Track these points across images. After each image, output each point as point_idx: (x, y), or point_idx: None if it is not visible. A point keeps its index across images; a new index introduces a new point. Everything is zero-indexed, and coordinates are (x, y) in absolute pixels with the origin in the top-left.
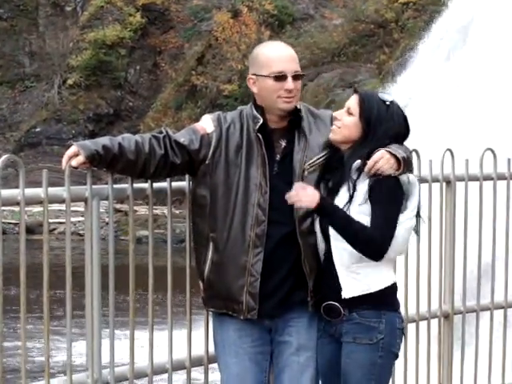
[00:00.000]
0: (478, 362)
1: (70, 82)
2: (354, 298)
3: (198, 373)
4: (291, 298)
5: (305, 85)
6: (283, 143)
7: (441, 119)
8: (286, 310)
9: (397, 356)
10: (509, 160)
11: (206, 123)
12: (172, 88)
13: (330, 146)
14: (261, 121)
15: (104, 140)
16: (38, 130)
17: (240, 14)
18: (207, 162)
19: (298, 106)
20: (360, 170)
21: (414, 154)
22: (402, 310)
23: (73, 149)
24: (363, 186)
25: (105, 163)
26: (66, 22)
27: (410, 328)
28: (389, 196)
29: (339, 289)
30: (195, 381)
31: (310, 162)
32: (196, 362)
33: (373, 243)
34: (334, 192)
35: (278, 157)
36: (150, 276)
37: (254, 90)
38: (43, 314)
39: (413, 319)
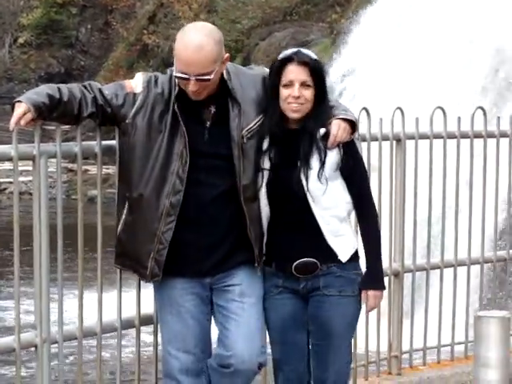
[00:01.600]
0: (428, 321)
1: (20, 40)
2: (330, 256)
3: (146, 334)
4: (231, 260)
5: (257, 44)
6: (212, 109)
7: (391, 78)
8: (226, 268)
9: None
10: (459, 118)
11: (136, 83)
12: (123, 47)
13: (279, 117)
14: (177, 90)
15: (44, 88)
16: None
17: None
18: (127, 120)
19: (225, 75)
20: (325, 137)
21: (364, 112)
22: None
23: (22, 108)
24: (331, 155)
25: (47, 112)
26: None
27: None
28: (360, 163)
29: (315, 248)
30: (144, 341)
31: (248, 128)
32: (145, 321)
33: (377, 218)
34: (305, 163)
35: (207, 123)
36: (99, 235)
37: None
38: None
39: None
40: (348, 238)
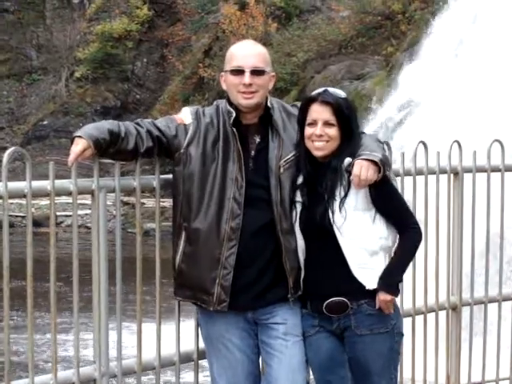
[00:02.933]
0: (486, 354)
1: (77, 74)
2: (359, 290)
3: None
4: (270, 293)
5: (312, 77)
6: (257, 139)
7: (448, 111)
8: (265, 303)
9: (403, 335)
10: None
11: (185, 115)
12: (179, 80)
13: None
14: (234, 114)
15: (105, 124)
16: (45, 122)
17: (247, 6)
18: (182, 150)
19: (269, 103)
20: (349, 168)
21: (421, 145)
22: (409, 301)
23: (81, 145)
24: (357, 191)
25: (106, 148)
26: (73, 14)
27: (418, 320)
28: (390, 192)
29: (344, 284)
30: (204, 372)
31: (286, 158)
32: (204, 355)
33: (419, 232)
34: (331, 196)
35: (252, 153)
36: (157, 268)
37: (224, 86)
38: (51, 308)
39: (421, 311)
40: (378, 272)
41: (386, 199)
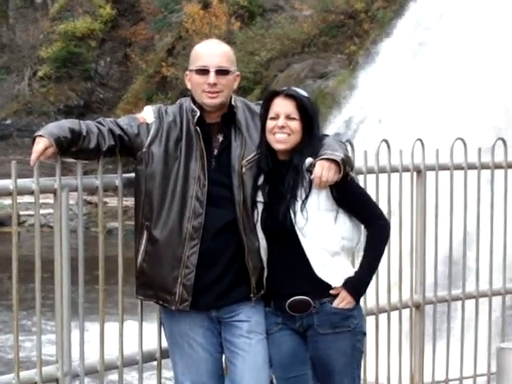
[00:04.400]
0: (450, 352)
1: (40, 73)
2: (321, 289)
3: (168, 367)
4: (233, 292)
5: (275, 75)
6: (220, 138)
7: (411, 110)
8: (228, 302)
9: (365, 334)
10: (479, 149)
11: (147, 114)
12: (142, 79)
13: (266, 151)
14: (198, 113)
15: (66, 122)
16: (8, 122)
17: (210, 5)
18: (144, 149)
19: (233, 102)
20: (310, 168)
21: (384, 143)
22: (373, 300)
23: (43, 143)
24: (319, 191)
25: (67, 147)
26: (36, 13)
27: (382, 318)
28: (354, 191)
29: (307, 283)
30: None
31: (248, 158)
32: (167, 354)
33: (387, 228)
34: (292, 197)
35: (215, 152)
36: (120, 267)
37: (188, 85)
38: (13, 307)
39: (384, 309)
40: (340, 272)
41: (350, 198)
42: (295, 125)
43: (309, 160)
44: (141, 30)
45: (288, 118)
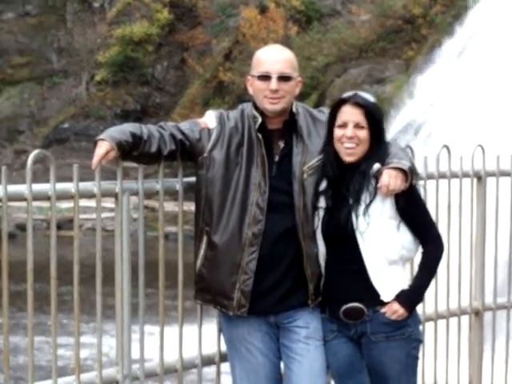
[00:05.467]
0: (509, 358)
1: (97, 78)
2: (375, 297)
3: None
4: (291, 299)
5: (332, 81)
6: (281, 144)
7: (470, 115)
8: (286, 308)
9: (421, 342)
10: None
11: (209, 119)
12: (199, 84)
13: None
14: (259, 120)
15: (127, 126)
16: (65, 126)
17: (267, 9)
18: (205, 154)
19: (294, 108)
20: (377, 174)
21: (444, 149)
22: (432, 306)
23: (104, 147)
24: (384, 198)
25: (128, 151)
26: (94, 18)
27: (440, 324)
28: (417, 204)
29: (361, 291)
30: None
31: (309, 164)
32: (226, 358)
33: (442, 248)
34: (356, 201)
35: (276, 158)
36: (180, 271)
37: (250, 90)
38: (74, 311)
39: (443, 316)
40: (395, 281)
41: (412, 209)
42: (363, 134)
43: (376, 166)
44: (198, 34)
45: (356, 126)
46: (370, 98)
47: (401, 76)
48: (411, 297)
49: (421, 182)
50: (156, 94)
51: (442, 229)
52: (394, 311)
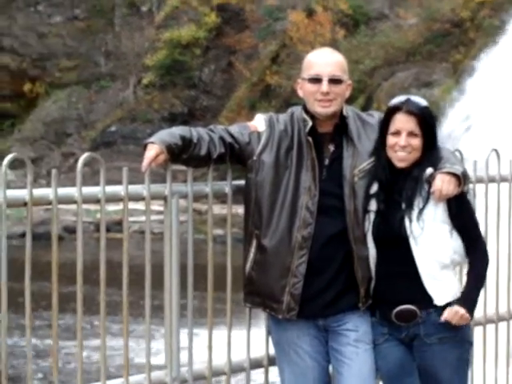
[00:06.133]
0: None
1: (145, 81)
2: (428, 299)
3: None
4: (341, 302)
5: (379, 84)
6: (332, 148)
7: None
8: (336, 311)
9: (472, 345)
10: None
11: (258, 122)
12: (246, 87)
13: (385, 163)
14: (310, 123)
15: (177, 130)
16: (113, 129)
17: (314, 13)
18: (254, 158)
19: (345, 112)
20: (430, 179)
21: (494, 153)
22: (481, 310)
23: (154, 150)
24: (437, 203)
25: (178, 154)
26: (142, 21)
27: (489, 329)
28: (468, 215)
29: (413, 293)
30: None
31: (360, 168)
32: (274, 361)
33: (487, 259)
34: (409, 205)
35: (326, 161)
36: (229, 274)
37: (300, 93)
38: (123, 313)
39: (492, 320)
40: (448, 285)
41: (464, 214)
42: (417, 142)
43: (429, 170)
44: (245, 37)
45: (410, 134)
46: (423, 102)
47: (448, 79)
48: (468, 300)
49: (470, 186)
50: (203, 97)
51: (491, 233)
52: (456, 312)
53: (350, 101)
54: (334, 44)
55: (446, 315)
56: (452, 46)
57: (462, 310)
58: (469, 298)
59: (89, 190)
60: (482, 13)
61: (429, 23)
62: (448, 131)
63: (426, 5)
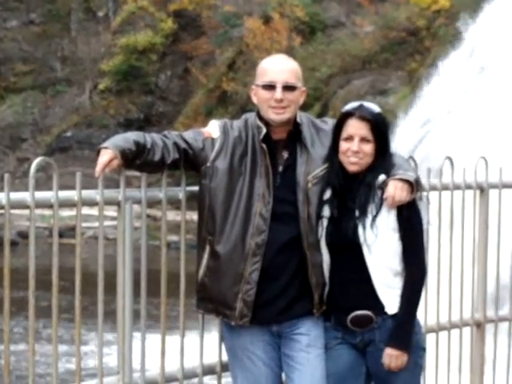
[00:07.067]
0: (510, 371)
1: (101, 86)
2: (383, 305)
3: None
4: (294, 308)
5: (335, 92)
6: (285, 155)
7: (474, 127)
8: (290, 317)
9: (425, 350)
10: None
11: (213, 128)
12: (202, 94)
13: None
14: (264, 130)
15: (131, 135)
16: (68, 134)
17: (271, 20)
18: (208, 164)
19: (299, 118)
20: (383, 186)
21: (447, 161)
22: (433, 317)
23: (108, 155)
24: (389, 210)
25: (132, 159)
26: (98, 27)
27: (442, 336)
28: (416, 222)
29: (368, 299)
30: None
31: (314, 174)
32: (228, 367)
33: (424, 275)
34: (363, 213)
35: (280, 168)
36: (182, 280)
37: (254, 100)
38: (75, 319)
39: (444, 327)
40: (399, 292)
41: (411, 221)
42: (369, 148)
43: (382, 177)
44: (202, 44)
45: (362, 140)
46: (376, 108)
47: (404, 87)
48: (400, 332)
49: (424, 193)
50: (159, 103)
51: (444, 240)
52: (390, 356)
53: (305, 108)
54: (290, 51)
55: (387, 362)
56: (408, 54)
57: (394, 352)
58: (400, 332)
59: (42, 195)
60: (438, 22)
61: (385, 31)
62: (403, 138)
63: (382, 13)
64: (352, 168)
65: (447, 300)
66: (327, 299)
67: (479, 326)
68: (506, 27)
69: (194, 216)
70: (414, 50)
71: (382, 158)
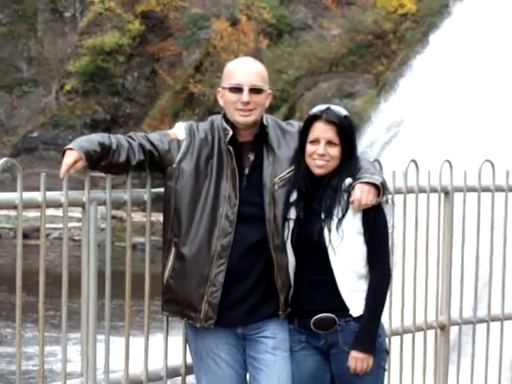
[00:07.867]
0: (474, 374)
1: (67, 87)
2: (346, 308)
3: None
4: (261, 310)
5: (302, 94)
6: (252, 157)
7: (439, 131)
8: (255, 319)
9: (389, 353)
10: (507, 172)
11: (178, 130)
12: (169, 95)
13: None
14: (231, 133)
15: (96, 136)
16: (34, 135)
17: (239, 22)
18: (174, 165)
19: (265, 121)
20: (349, 189)
21: (412, 164)
22: (398, 320)
23: (72, 156)
24: (355, 213)
25: (97, 160)
26: (65, 27)
27: (406, 339)
28: (381, 225)
29: (332, 302)
30: None
31: (280, 176)
32: (192, 370)
33: (388, 278)
34: (328, 215)
35: (246, 170)
36: (147, 282)
37: (221, 102)
38: (39, 320)
39: (409, 330)
40: (364, 295)
41: (377, 225)
42: (335, 151)
43: (348, 180)
44: (169, 45)
45: (328, 143)
46: (343, 111)
47: (370, 91)
48: (365, 336)
49: (389, 197)
50: (126, 104)
51: (409, 243)
52: (357, 360)
53: (272, 110)
54: (257, 53)
55: (352, 365)
56: (375, 58)
57: (359, 355)
58: (365, 336)
59: (5, 196)
60: (404, 25)
61: (352, 34)
62: (370, 141)
63: (349, 16)
64: (318, 171)
65: (412, 303)
66: (291, 302)
67: (443, 328)
68: (473, 30)
69: (160, 217)
70: (380, 53)
71: (349, 162)
